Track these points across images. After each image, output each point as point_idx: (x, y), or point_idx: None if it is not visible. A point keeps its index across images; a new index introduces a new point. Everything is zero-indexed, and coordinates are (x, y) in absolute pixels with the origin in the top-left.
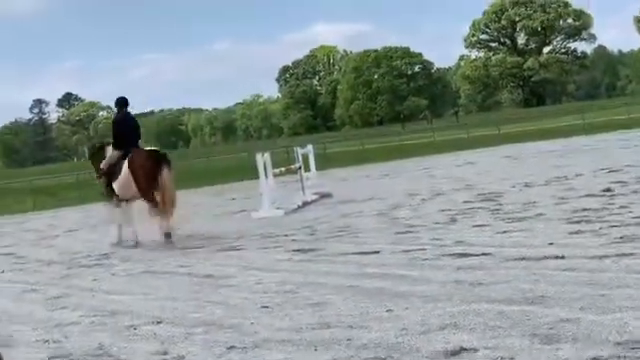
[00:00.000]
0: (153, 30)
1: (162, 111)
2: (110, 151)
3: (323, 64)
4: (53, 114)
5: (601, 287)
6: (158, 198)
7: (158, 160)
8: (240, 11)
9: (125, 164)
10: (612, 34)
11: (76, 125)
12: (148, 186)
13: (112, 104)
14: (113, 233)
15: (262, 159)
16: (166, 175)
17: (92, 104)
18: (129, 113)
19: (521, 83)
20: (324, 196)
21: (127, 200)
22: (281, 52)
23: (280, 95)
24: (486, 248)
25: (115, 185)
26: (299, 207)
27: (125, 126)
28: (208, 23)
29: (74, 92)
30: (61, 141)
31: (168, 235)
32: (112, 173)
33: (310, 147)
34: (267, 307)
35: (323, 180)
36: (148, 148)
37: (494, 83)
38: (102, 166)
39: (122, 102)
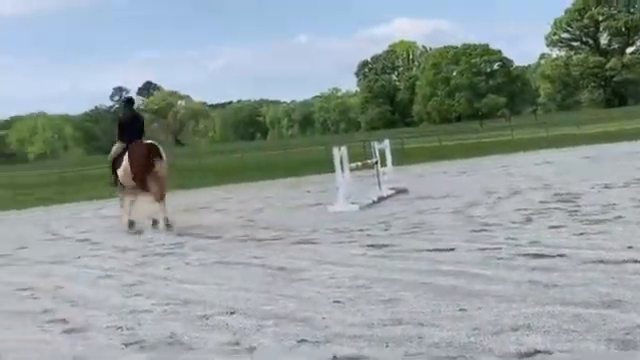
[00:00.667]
0: (232, 22)
1: (240, 102)
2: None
3: (402, 59)
4: None
5: None
6: (154, 188)
7: (152, 151)
8: (320, 5)
9: (126, 154)
10: None
11: (155, 113)
12: (142, 174)
13: (191, 93)
14: (124, 220)
15: (338, 153)
16: (159, 165)
17: (171, 93)
18: (134, 110)
19: (602, 83)
20: (400, 192)
21: (131, 188)
22: (360, 47)
23: (358, 89)
24: (562, 249)
25: (119, 173)
26: (374, 202)
27: (129, 122)
28: (287, 17)
29: (154, 81)
30: None
31: (167, 221)
32: (117, 163)
33: (387, 142)
34: (339, 302)
35: (399, 175)
36: (146, 142)
37: (574, 83)
38: (109, 157)
39: (128, 101)
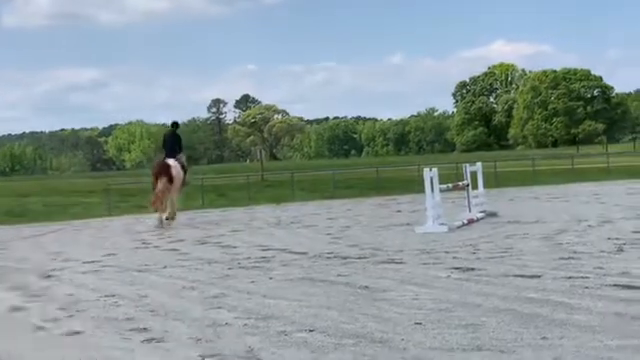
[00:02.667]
0: (330, 39)
1: (336, 118)
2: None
3: (500, 82)
4: (230, 114)
5: None
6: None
7: (163, 169)
8: (419, 26)
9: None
10: None
11: (251, 127)
12: (155, 180)
13: (288, 108)
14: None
15: (429, 174)
16: (161, 183)
17: (268, 107)
18: (175, 132)
19: None
20: (490, 215)
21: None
22: (458, 68)
23: (455, 110)
24: None
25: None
26: (464, 224)
27: (168, 141)
28: (387, 36)
29: (251, 94)
30: (235, 142)
31: (168, 218)
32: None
33: (479, 165)
34: (420, 324)
35: (490, 199)
36: (165, 161)
37: None
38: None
39: (174, 124)
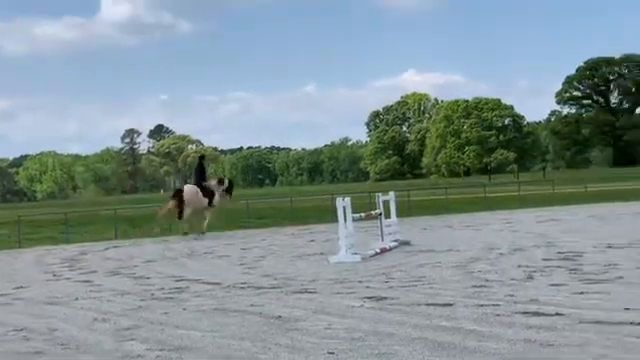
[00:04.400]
0: (244, 69)
1: (250, 148)
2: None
3: (413, 111)
4: (144, 144)
5: None
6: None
7: (181, 190)
8: (331, 56)
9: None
10: None
11: (165, 157)
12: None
13: (202, 138)
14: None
15: (342, 203)
16: (172, 202)
17: (182, 137)
18: (201, 163)
19: (612, 142)
20: (403, 244)
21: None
22: (371, 97)
23: (369, 139)
24: (560, 308)
25: None
26: (377, 254)
27: (195, 171)
28: (301, 66)
29: (165, 124)
30: (150, 172)
31: (186, 234)
32: None
33: (392, 194)
34: (333, 353)
35: (403, 228)
36: (183, 187)
37: (584, 140)
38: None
39: (200, 157)
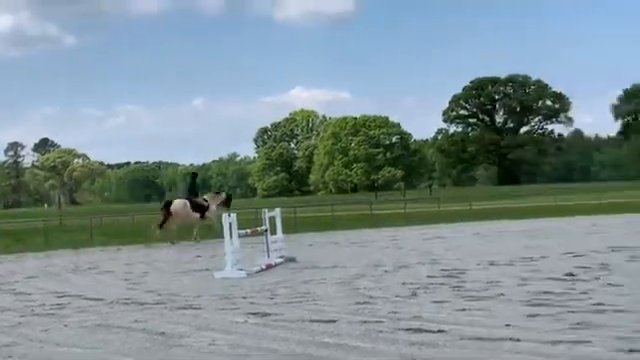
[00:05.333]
0: (131, 82)
1: (138, 163)
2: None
3: (302, 128)
4: (28, 158)
5: None
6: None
7: (169, 203)
8: (220, 71)
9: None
10: (589, 119)
11: (50, 171)
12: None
13: (88, 152)
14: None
15: (228, 219)
16: (173, 208)
17: (67, 151)
18: (194, 180)
19: (497, 160)
20: (289, 260)
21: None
22: (259, 113)
23: (257, 156)
24: (443, 325)
25: None
26: (262, 270)
27: (186, 187)
28: (189, 80)
29: (51, 138)
30: (34, 185)
31: (172, 242)
32: None
33: (278, 210)
34: None
35: (290, 244)
36: (175, 200)
37: (470, 158)
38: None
39: (193, 174)
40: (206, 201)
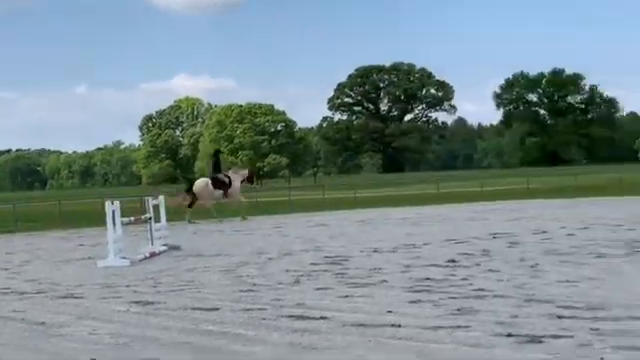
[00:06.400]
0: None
1: (19, 151)
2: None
3: (187, 115)
4: None
5: (430, 358)
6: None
7: (192, 181)
8: (103, 57)
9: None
10: (472, 107)
11: None
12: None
13: None
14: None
15: (111, 207)
16: (195, 189)
17: None
18: (217, 158)
19: (381, 148)
20: (173, 248)
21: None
22: (144, 101)
23: (142, 143)
24: (325, 312)
25: None
26: (146, 258)
27: (211, 164)
28: (71, 67)
29: None
30: None
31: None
32: None
33: (161, 198)
34: (95, 359)
35: (174, 232)
36: (200, 179)
37: (355, 146)
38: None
39: (217, 151)
40: (228, 177)
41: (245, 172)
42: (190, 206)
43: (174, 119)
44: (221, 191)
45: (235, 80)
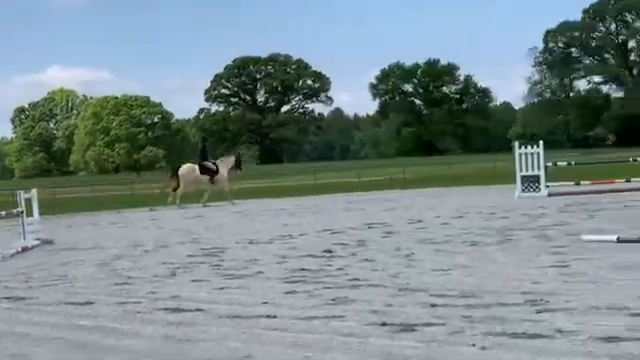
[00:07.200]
0: None
1: None
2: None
3: (61, 107)
4: None
5: (305, 348)
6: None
7: (178, 167)
8: None
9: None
10: (349, 98)
11: None
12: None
13: None
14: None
15: None
16: (180, 172)
17: None
18: (204, 145)
19: (259, 139)
20: (46, 242)
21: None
22: (16, 93)
23: (14, 136)
24: (201, 304)
25: None
26: (17, 253)
27: (199, 152)
28: None
29: None
30: None
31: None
32: None
33: (34, 191)
34: None
35: (47, 226)
36: (187, 164)
37: (232, 138)
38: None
39: (204, 139)
40: (215, 165)
41: (232, 159)
42: (175, 190)
43: (48, 111)
44: (207, 176)
45: (111, 71)
